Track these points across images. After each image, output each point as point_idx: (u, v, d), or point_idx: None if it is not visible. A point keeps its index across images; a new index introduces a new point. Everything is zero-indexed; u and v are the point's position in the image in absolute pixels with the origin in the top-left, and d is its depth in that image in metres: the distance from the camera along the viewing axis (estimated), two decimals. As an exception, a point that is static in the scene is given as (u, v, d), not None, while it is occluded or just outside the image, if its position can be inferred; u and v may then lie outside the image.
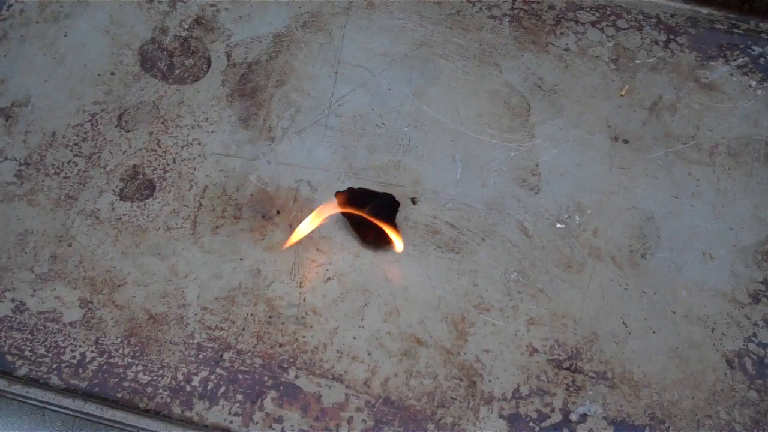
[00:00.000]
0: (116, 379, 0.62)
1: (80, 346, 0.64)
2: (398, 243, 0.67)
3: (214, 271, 0.67)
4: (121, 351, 0.64)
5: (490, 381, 0.63)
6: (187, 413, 0.61)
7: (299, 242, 0.68)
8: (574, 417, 0.62)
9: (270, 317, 0.65)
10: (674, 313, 0.66)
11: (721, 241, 0.69)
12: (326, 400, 0.62)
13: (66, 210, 0.70)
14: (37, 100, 0.76)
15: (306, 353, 0.64)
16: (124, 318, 0.65)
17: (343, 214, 0.68)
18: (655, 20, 0.81)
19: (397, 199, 0.69)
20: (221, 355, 0.64)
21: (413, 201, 0.71)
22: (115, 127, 0.74)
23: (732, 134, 0.75)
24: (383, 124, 0.75)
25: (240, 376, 0.63)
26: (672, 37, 0.80)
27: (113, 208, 0.70)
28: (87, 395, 0.62)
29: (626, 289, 0.67)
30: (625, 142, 0.74)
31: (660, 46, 0.79)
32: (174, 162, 0.73)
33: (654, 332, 0.65)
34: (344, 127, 0.75)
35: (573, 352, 0.65)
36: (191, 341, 0.64)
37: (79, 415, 0.61)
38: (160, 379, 0.62)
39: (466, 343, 0.65)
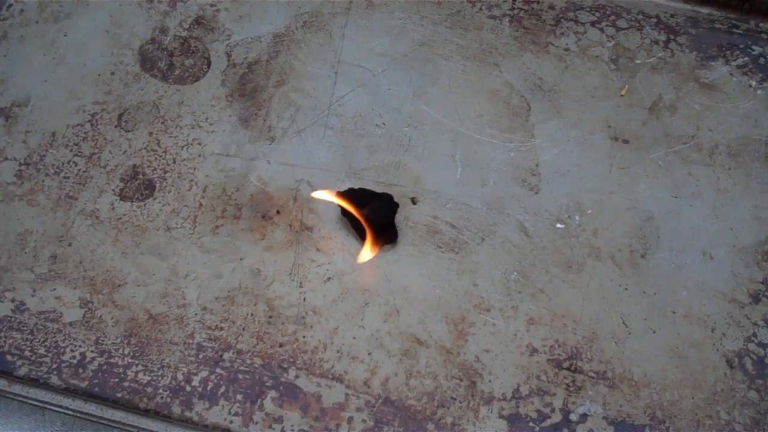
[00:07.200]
0: (116, 379, 0.62)
1: (80, 346, 0.64)
2: (366, 253, 0.67)
3: (214, 271, 0.67)
4: (121, 351, 0.64)
5: (490, 381, 0.63)
6: (187, 413, 0.61)
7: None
8: (574, 417, 0.62)
9: (270, 317, 0.65)
10: (674, 313, 0.66)
11: (721, 241, 0.69)
12: (326, 400, 0.62)
13: (66, 210, 0.70)
14: (37, 100, 0.76)
15: (306, 353, 0.64)
16: (124, 318, 0.65)
17: (343, 213, 0.68)
18: (655, 20, 0.81)
19: (397, 199, 0.69)
20: (221, 355, 0.64)
21: (413, 201, 0.71)
22: (115, 127, 0.74)
23: (732, 134, 0.75)
24: (383, 124, 0.75)
25: (240, 376, 0.63)
26: (672, 37, 0.80)
27: (113, 208, 0.70)
28: (87, 395, 0.62)
29: (626, 289, 0.67)
30: (625, 142, 0.74)
31: (660, 46, 0.79)
32: (174, 162, 0.73)
33: (654, 332, 0.65)
34: (344, 127, 0.75)
35: (573, 352, 0.65)
36: (191, 341, 0.64)
37: (79, 415, 0.61)
38: (160, 379, 0.63)
39: (466, 343, 0.65)
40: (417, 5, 0.81)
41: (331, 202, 0.68)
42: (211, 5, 0.82)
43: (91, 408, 0.61)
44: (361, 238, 0.68)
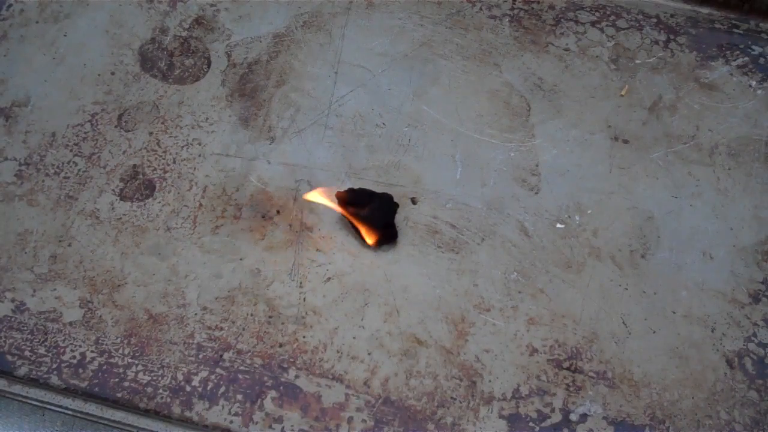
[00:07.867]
0: (116, 379, 0.62)
1: (80, 346, 0.64)
2: (368, 239, 0.68)
3: (214, 271, 0.67)
4: (121, 351, 0.64)
5: (490, 381, 0.63)
6: (187, 413, 0.61)
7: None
8: (574, 417, 0.62)
9: (270, 317, 0.65)
10: (674, 313, 0.66)
11: (721, 241, 0.69)
12: (326, 400, 0.62)
13: (66, 210, 0.70)
14: (37, 100, 0.76)
15: (306, 353, 0.64)
16: (124, 318, 0.65)
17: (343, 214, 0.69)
18: (655, 20, 0.81)
19: (397, 199, 0.69)
20: (221, 355, 0.64)
21: (413, 201, 0.71)
22: (115, 127, 0.74)
23: (732, 134, 0.75)
24: (383, 124, 0.75)
25: (240, 376, 0.63)
26: (672, 37, 0.80)
27: (113, 208, 0.70)
28: (87, 395, 0.62)
29: (626, 289, 0.67)
30: (625, 142, 0.74)
31: (660, 46, 0.79)
32: (174, 162, 0.73)
33: (654, 332, 0.65)
34: (344, 127, 0.75)
35: (573, 352, 0.65)
36: (191, 341, 0.64)
37: (79, 415, 0.61)
38: (160, 379, 0.63)
39: (466, 343, 0.65)
40: (417, 5, 0.81)
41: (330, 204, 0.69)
42: (211, 5, 0.82)
43: (91, 408, 0.61)
44: (359, 236, 0.69)
